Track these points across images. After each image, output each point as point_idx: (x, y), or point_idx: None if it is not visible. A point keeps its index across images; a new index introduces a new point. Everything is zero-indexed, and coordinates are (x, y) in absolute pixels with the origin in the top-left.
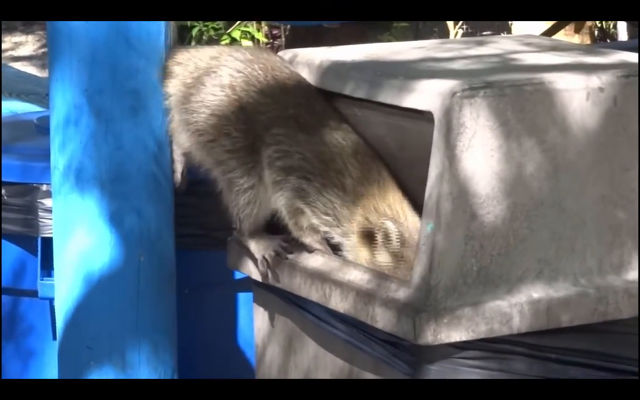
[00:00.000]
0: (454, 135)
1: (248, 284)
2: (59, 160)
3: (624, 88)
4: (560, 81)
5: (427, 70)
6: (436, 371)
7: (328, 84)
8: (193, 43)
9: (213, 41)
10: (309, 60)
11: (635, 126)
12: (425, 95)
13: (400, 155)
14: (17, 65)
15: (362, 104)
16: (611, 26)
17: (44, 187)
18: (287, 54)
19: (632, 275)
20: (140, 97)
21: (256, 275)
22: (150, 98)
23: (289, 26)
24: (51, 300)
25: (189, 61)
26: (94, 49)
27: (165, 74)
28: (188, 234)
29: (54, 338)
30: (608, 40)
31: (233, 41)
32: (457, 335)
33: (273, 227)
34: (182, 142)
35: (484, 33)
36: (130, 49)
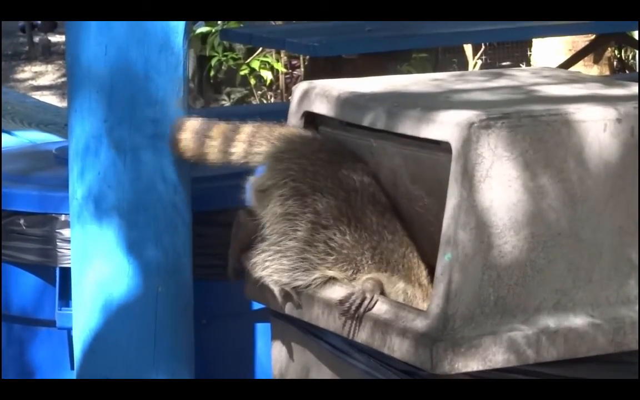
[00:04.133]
0: (471, 165)
1: (265, 314)
2: (77, 190)
3: None
4: (578, 112)
5: (445, 102)
6: None
7: (346, 115)
8: (212, 72)
9: (232, 71)
10: (327, 91)
11: None
12: (444, 126)
13: (412, 187)
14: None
15: (378, 134)
16: (630, 57)
17: (63, 217)
18: (303, 85)
19: None
20: (159, 127)
21: (274, 306)
22: (169, 128)
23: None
24: (69, 330)
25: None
26: (112, 79)
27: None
28: (206, 264)
29: (72, 368)
30: (627, 71)
31: (252, 71)
32: (474, 364)
33: None
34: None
35: (503, 64)
36: (148, 80)
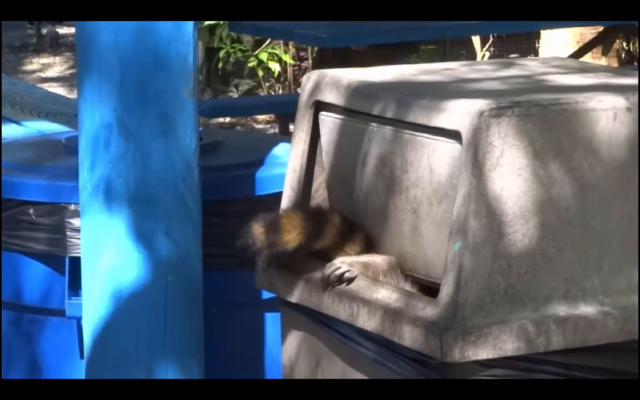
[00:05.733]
0: (482, 154)
1: (275, 303)
2: (87, 180)
3: None
4: (588, 101)
5: (455, 91)
6: None
7: (356, 104)
8: (220, 64)
9: (240, 63)
10: (337, 81)
11: None
12: (454, 115)
13: (403, 176)
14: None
15: (381, 120)
16: (639, 49)
17: (72, 207)
18: (314, 75)
19: None
20: (169, 118)
21: (283, 294)
22: (179, 119)
23: (316, 48)
24: (79, 319)
25: None
26: (123, 69)
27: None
28: (216, 254)
29: (81, 357)
30: (635, 63)
31: (260, 63)
32: (484, 353)
33: None
34: None
35: (511, 56)
36: (159, 70)
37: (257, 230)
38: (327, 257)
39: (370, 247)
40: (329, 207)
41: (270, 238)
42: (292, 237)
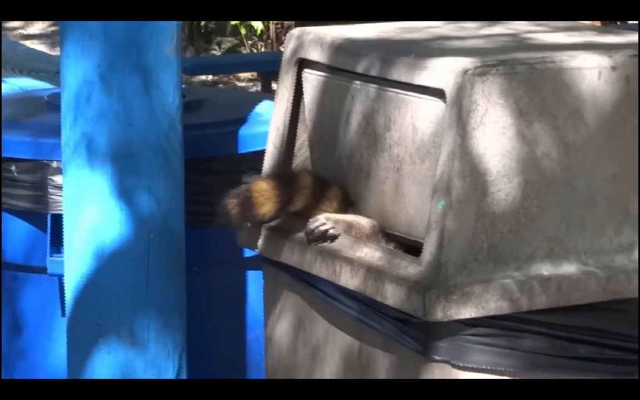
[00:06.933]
0: (465, 112)
1: (258, 262)
2: (69, 137)
3: (636, 67)
4: (572, 60)
5: (439, 49)
6: (445, 348)
7: (340, 61)
8: (203, 22)
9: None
10: (321, 38)
11: None
12: (437, 73)
13: (386, 135)
14: (27, 43)
15: (365, 78)
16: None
17: (55, 164)
18: (297, 32)
19: None
20: (151, 75)
21: (266, 252)
22: (162, 75)
23: None
24: (60, 277)
25: None
26: (105, 25)
27: None
28: (198, 211)
29: (63, 314)
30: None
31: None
32: (466, 312)
33: None
34: None
35: None
36: (142, 26)
37: (232, 207)
38: (306, 217)
39: (346, 203)
40: (300, 168)
41: (246, 214)
42: (267, 209)
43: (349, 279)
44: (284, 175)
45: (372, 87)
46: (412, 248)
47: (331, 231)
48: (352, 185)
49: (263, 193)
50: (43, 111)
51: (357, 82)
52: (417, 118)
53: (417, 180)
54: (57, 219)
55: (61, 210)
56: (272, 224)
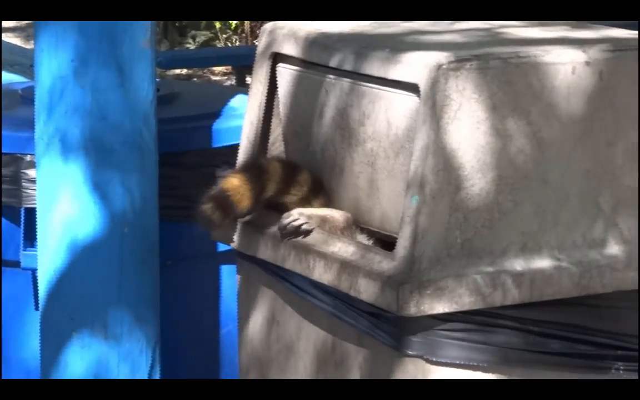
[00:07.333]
0: (439, 107)
1: (232, 256)
2: (43, 131)
3: (610, 62)
4: (546, 55)
5: (413, 43)
6: (419, 343)
7: (314, 56)
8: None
9: None
10: (295, 33)
11: (620, 101)
12: (412, 67)
13: (360, 129)
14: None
15: (339, 72)
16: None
17: (28, 158)
18: (271, 26)
19: (615, 249)
20: (126, 68)
21: (239, 247)
22: (136, 68)
23: None
24: (34, 271)
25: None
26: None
27: None
28: (172, 205)
29: (37, 308)
30: None
31: None
32: (440, 307)
33: None
34: None
35: None
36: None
37: (209, 211)
38: (280, 207)
39: (317, 187)
40: (269, 157)
41: (228, 214)
42: (245, 204)
43: (322, 274)
44: (252, 166)
45: (346, 82)
46: (386, 243)
47: (304, 226)
48: (327, 180)
49: (238, 190)
50: (17, 105)
51: (331, 76)
52: (391, 113)
53: (391, 174)
54: (31, 213)
55: (35, 204)
56: (246, 218)
